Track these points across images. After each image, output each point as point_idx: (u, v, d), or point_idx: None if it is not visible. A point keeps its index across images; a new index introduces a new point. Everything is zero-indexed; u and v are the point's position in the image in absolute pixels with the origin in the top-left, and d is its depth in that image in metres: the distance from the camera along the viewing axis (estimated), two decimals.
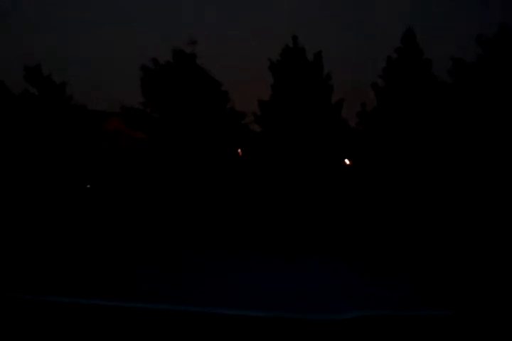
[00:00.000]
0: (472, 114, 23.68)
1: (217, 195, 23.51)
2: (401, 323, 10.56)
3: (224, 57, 28.16)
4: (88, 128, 25.62)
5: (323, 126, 24.20)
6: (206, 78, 25.99)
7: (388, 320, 10.61)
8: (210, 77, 25.99)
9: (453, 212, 22.09)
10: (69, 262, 16.37)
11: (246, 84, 26.88)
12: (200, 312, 10.79)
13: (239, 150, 24.90)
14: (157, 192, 23.69)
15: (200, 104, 25.40)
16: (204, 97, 25.52)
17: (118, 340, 9.22)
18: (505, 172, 21.82)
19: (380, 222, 22.12)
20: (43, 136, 25.11)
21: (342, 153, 24.29)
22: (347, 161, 24.35)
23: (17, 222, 21.77)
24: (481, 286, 13.57)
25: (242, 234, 22.04)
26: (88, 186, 24.69)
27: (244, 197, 23.59)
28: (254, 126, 25.61)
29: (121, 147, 25.00)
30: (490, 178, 21.79)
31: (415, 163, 23.35)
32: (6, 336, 9.12)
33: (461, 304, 11.83)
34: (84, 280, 13.52)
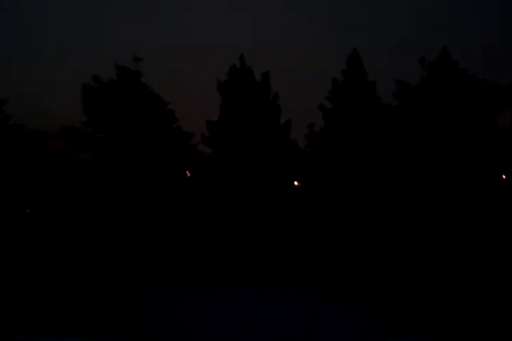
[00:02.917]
0: (416, 134, 24.22)
1: (165, 217, 23.04)
2: None
3: (172, 76, 27.76)
4: (29, 149, 24.64)
5: (272, 147, 24.17)
6: (151, 97, 25.54)
7: None
8: (155, 95, 25.55)
9: (399, 228, 22.53)
10: (13, 294, 15.50)
11: (194, 104, 26.57)
12: None
13: (187, 172, 24.57)
14: (104, 213, 23.00)
15: (145, 123, 24.90)
16: (149, 116, 25.06)
17: None
18: (452, 195, 22.38)
19: (330, 243, 22.23)
20: None
21: (291, 174, 24.31)
22: (296, 183, 24.38)
23: None
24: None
25: (186, 256, 21.62)
26: (28, 210, 23.69)
27: (192, 218, 23.23)
28: (203, 147, 25.43)
29: (66, 168, 24.18)
30: (439, 200, 22.28)
31: (363, 183, 23.63)
32: None
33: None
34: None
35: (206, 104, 26.07)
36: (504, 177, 24.76)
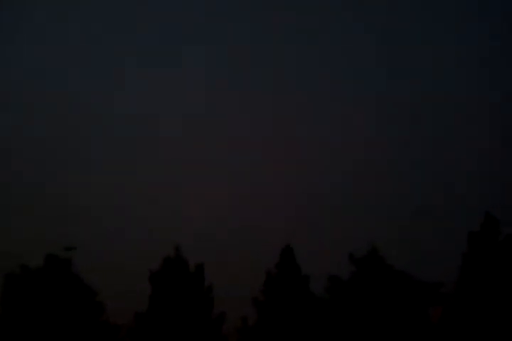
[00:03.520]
0: (349, 327, 24.23)
1: None
2: None
3: (103, 264, 27.37)
4: None
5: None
6: (80, 287, 24.71)
7: None
8: (85, 285, 24.74)
9: None
10: None
11: (125, 293, 25.79)
12: None
13: None
14: None
15: (71, 315, 23.77)
16: (77, 308, 24.00)
17: None
18: None
19: None
20: None
21: None
22: None
23: None
24: None
25: None
26: None
27: None
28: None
29: None
30: None
31: None
32: None
33: None
34: None
35: (137, 294, 25.36)
36: None
